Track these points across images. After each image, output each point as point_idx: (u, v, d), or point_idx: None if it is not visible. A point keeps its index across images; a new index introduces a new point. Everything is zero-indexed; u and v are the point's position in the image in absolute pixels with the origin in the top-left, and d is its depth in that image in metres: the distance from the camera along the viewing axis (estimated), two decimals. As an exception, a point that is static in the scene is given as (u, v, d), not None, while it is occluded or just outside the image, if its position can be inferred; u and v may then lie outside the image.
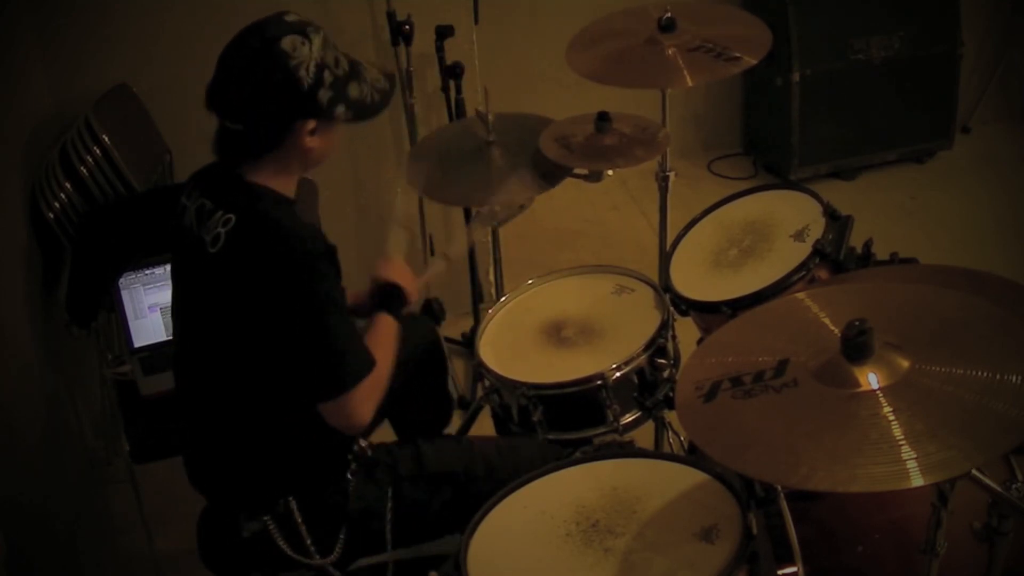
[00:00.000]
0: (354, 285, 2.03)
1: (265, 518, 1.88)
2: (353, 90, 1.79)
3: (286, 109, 1.74)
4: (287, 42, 1.71)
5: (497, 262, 2.99)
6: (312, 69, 1.72)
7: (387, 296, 2.02)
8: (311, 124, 1.76)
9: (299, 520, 1.88)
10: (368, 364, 1.80)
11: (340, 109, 1.77)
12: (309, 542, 1.89)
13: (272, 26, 1.74)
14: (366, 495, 1.95)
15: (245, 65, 1.73)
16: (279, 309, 1.73)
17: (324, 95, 1.74)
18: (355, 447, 1.97)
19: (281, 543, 1.88)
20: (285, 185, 1.83)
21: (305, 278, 1.72)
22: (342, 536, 1.92)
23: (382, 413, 1.97)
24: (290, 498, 1.88)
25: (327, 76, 1.74)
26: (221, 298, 1.79)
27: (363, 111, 1.81)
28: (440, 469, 2.00)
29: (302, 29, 1.74)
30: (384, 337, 1.95)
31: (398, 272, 2.06)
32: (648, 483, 1.78)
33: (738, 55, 2.45)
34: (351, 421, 1.80)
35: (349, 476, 1.94)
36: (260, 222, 1.76)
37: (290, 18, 1.76)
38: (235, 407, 1.86)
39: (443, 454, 2.04)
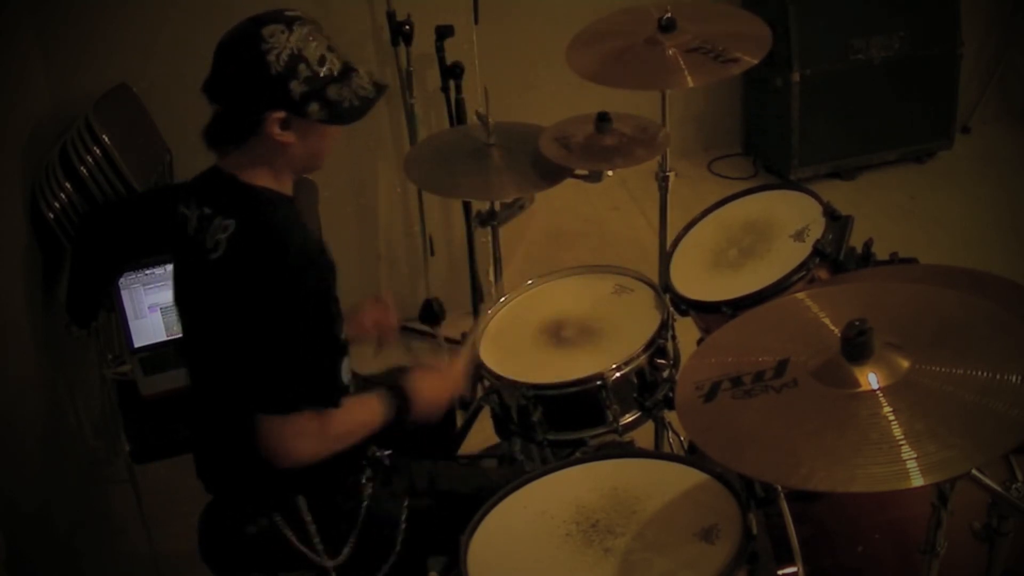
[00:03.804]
0: (353, 286, 2.02)
1: (274, 515, 1.87)
2: (332, 91, 1.76)
3: (253, 92, 1.72)
4: (268, 29, 1.71)
5: (497, 262, 2.98)
6: (284, 57, 1.70)
7: (396, 399, 1.91)
8: (280, 114, 1.74)
9: (308, 519, 1.88)
10: (322, 400, 1.76)
11: (314, 106, 1.74)
12: (317, 541, 1.89)
13: (267, 15, 1.75)
14: (382, 503, 1.95)
15: (226, 46, 1.75)
16: (261, 311, 1.72)
17: (297, 87, 1.72)
18: (370, 453, 1.97)
19: (290, 536, 1.88)
20: (280, 184, 1.82)
21: (291, 287, 1.71)
22: (352, 540, 1.92)
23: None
24: (299, 497, 1.88)
25: (302, 69, 1.72)
26: (223, 302, 1.79)
27: (339, 114, 1.78)
28: (453, 488, 2.01)
29: (290, 21, 1.74)
30: (364, 411, 1.87)
31: (431, 384, 1.97)
32: (648, 483, 1.78)
33: (737, 56, 2.46)
34: (276, 450, 1.75)
35: (365, 481, 1.94)
36: (260, 228, 1.76)
37: (290, 13, 1.76)
38: (243, 404, 1.85)
39: (457, 474, 2.06)
